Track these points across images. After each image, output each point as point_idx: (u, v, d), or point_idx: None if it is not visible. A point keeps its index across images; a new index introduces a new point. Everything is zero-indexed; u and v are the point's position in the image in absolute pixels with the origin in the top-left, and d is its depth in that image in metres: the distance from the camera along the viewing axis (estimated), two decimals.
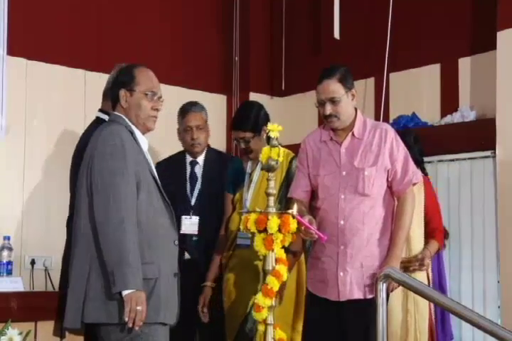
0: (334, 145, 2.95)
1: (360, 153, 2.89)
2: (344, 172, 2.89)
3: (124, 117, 2.62)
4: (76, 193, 2.59)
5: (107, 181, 2.46)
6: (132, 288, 2.39)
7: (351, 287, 2.83)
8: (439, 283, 3.49)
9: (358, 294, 2.83)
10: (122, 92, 2.61)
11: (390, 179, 2.90)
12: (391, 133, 2.92)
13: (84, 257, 2.50)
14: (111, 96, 2.68)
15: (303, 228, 2.77)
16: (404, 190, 2.90)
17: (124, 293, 2.40)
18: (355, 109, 2.97)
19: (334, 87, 2.86)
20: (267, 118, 3.35)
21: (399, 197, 2.91)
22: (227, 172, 3.42)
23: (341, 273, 2.84)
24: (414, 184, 2.95)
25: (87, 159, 2.54)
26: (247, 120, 3.35)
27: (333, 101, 2.86)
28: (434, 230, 3.41)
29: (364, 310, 2.78)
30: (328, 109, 2.87)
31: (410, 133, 3.58)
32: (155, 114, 2.63)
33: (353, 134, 2.93)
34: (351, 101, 2.91)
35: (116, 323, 2.44)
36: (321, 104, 2.91)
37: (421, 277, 3.25)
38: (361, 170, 2.87)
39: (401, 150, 2.91)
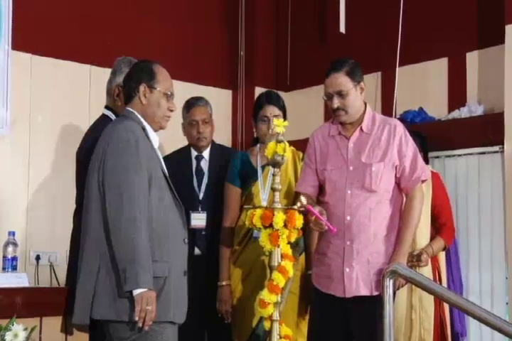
0: (342, 139, 2.94)
1: (368, 148, 2.87)
2: (351, 168, 2.88)
3: (136, 113, 2.61)
4: (86, 188, 2.57)
5: (120, 177, 2.45)
6: (143, 287, 2.38)
7: (357, 283, 2.82)
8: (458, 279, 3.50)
9: (364, 291, 2.81)
10: (142, 88, 2.61)
11: (398, 175, 2.88)
12: (400, 128, 2.90)
13: (94, 253, 2.49)
14: (126, 90, 2.66)
15: (313, 218, 2.76)
16: (413, 186, 2.87)
17: (135, 292, 2.39)
18: (365, 103, 2.95)
19: (342, 80, 2.85)
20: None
21: (407, 194, 2.89)
22: (233, 163, 3.36)
23: (347, 269, 2.82)
24: (423, 181, 2.93)
25: (100, 154, 2.53)
26: (279, 97, 3.37)
27: (341, 94, 2.85)
28: (442, 226, 3.39)
29: (370, 307, 2.76)
30: (336, 102, 2.86)
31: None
32: (170, 114, 2.66)
33: (361, 129, 2.91)
34: (360, 94, 2.90)
35: (125, 321, 2.43)
36: (328, 97, 2.90)
37: (425, 273, 3.22)
38: (368, 165, 2.85)
39: (410, 147, 2.89)
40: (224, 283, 3.26)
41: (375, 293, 2.79)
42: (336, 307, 2.84)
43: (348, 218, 2.82)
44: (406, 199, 2.89)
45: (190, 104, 3.55)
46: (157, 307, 2.41)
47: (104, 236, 2.46)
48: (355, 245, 2.82)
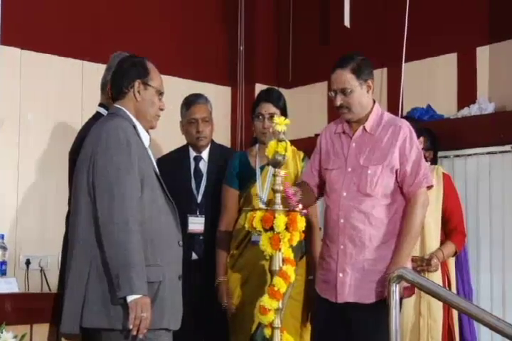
0: (346, 138, 2.90)
1: (368, 150, 2.81)
2: (349, 169, 2.83)
3: (126, 111, 2.55)
4: (74, 189, 2.52)
5: (112, 178, 2.39)
6: (138, 294, 2.33)
7: (350, 289, 2.76)
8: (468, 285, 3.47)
9: (355, 297, 2.75)
10: (137, 84, 2.56)
11: (399, 180, 2.79)
12: (406, 130, 2.81)
13: (83, 257, 2.43)
14: (117, 86, 2.60)
15: (284, 195, 2.74)
16: (414, 192, 2.78)
17: (129, 298, 2.33)
18: (374, 101, 2.90)
19: (346, 77, 2.80)
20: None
21: (409, 199, 2.80)
22: (231, 164, 3.31)
23: (340, 274, 2.77)
24: (429, 188, 2.84)
25: (89, 154, 2.47)
26: (279, 96, 3.31)
27: (344, 92, 2.81)
28: (453, 231, 3.34)
29: (368, 314, 2.71)
30: (339, 99, 2.82)
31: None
32: (160, 113, 2.64)
33: (364, 128, 2.85)
34: (366, 92, 2.84)
35: (118, 329, 2.37)
36: (333, 94, 2.85)
37: (435, 279, 3.16)
38: (365, 168, 2.80)
39: (414, 150, 2.80)
40: (221, 279, 3.20)
41: (368, 301, 2.72)
42: (334, 312, 2.78)
43: (342, 221, 2.78)
44: (407, 205, 2.80)
45: (190, 102, 3.49)
46: (151, 314, 2.34)
47: (95, 239, 2.39)
48: (349, 249, 2.76)
